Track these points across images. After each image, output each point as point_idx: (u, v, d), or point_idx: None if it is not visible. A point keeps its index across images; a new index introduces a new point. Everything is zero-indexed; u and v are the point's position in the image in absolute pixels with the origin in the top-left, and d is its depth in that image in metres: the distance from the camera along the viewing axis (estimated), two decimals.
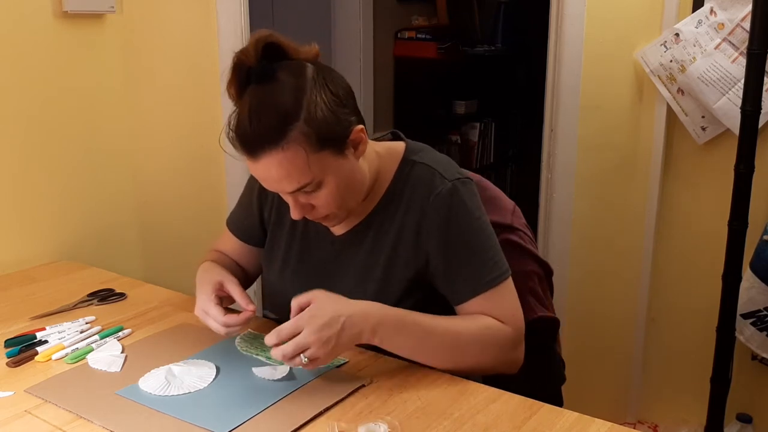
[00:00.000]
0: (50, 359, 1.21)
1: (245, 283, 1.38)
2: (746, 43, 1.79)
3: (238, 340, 1.26)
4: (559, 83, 2.23)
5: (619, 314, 2.36)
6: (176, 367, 1.15)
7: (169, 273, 1.92)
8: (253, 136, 1.05)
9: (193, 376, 1.12)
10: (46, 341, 1.26)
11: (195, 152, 2.06)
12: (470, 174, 1.24)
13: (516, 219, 1.36)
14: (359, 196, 1.18)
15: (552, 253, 2.34)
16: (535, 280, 1.35)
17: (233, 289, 1.21)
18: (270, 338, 1.06)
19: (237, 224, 1.39)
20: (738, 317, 1.92)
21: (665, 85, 2.11)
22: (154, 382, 1.11)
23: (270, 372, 1.13)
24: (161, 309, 1.43)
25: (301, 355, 1.04)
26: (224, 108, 2.01)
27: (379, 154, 1.22)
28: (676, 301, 2.28)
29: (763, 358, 2.09)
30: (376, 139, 1.28)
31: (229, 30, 2.01)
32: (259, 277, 1.44)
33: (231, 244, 1.40)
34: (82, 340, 1.27)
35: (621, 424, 1.01)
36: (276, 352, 1.06)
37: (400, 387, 1.10)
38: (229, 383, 1.12)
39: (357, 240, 1.22)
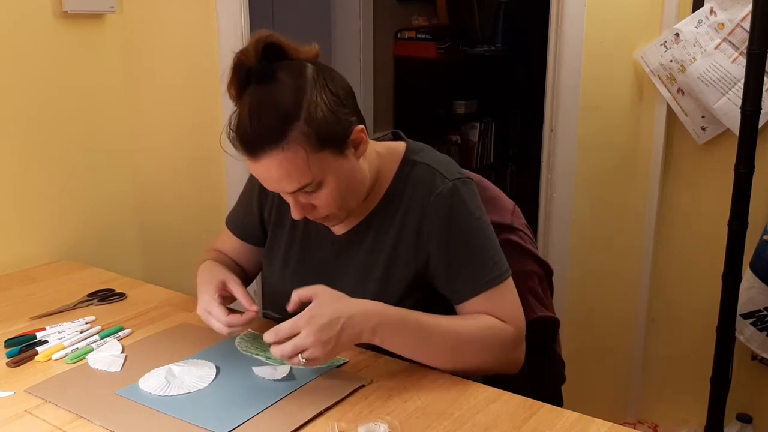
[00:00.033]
0: (50, 359, 1.21)
1: (244, 282, 1.38)
2: (746, 43, 1.79)
3: (238, 340, 1.26)
4: (559, 83, 2.23)
5: (619, 314, 2.36)
6: (176, 367, 1.15)
7: (169, 273, 1.92)
8: (253, 136, 1.05)
9: (193, 376, 1.12)
10: (46, 341, 1.26)
11: (195, 152, 2.06)
12: (470, 174, 1.25)
13: (516, 219, 1.36)
14: (360, 196, 1.18)
15: (552, 253, 2.34)
16: (535, 280, 1.35)
17: (236, 289, 1.21)
18: (268, 336, 1.06)
19: (236, 223, 1.39)
20: (738, 317, 1.92)
21: (665, 85, 2.11)
22: (154, 382, 1.11)
23: (270, 372, 1.13)
24: (161, 309, 1.43)
25: (299, 355, 1.04)
26: (224, 108, 2.01)
27: (380, 154, 1.22)
28: (676, 301, 2.28)
29: (763, 358, 2.09)
30: (377, 139, 1.28)
31: (229, 30, 2.01)
32: (260, 277, 1.44)
33: (230, 244, 1.40)
34: (82, 340, 1.27)
35: (621, 424, 1.01)
36: (274, 351, 1.06)
37: (400, 387, 1.10)
38: (229, 383, 1.12)
39: (357, 240, 1.22)
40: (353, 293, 1.12)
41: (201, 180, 2.10)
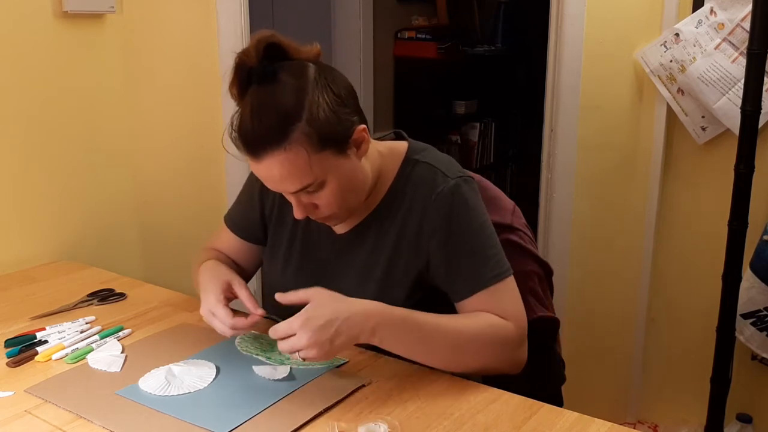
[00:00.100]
0: (50, 359, 1.21)
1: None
2: (746, 43, 1.79)
3: (238, 340, 1.26)
4: (559, 83, 2.23)
5: (619, 314, 2.36)
6: (176, 367, 1.15)
7: (169, 273, 1.92)
8: (255, 136, 1.05)
9: (193, 376, 1.12)
10: (46, 341, 1.26)
11: (195, 152, 2.06)
12: (471, 174, 1.25)
13: (516, 219, 1.36)
14: (361, 195, 1.18)
15: (552, 253, 2.34)
16: (535, 280, 1.35)
17: (241, 291, 1.21)
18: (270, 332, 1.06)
19: (235, 221, 1.39)
20: (738, 317, 1.92)
21: (665, 85, 2.11)
22: (154, 382, 1.11)
23: (270, 372, 1.13)
24: (161, 309, 1.43)
25: (297, 354, 1.04)
26: (224, 108, 2.01)
27: (382, 153, 1.22)
28: (676, 301, 2.28)
29: (763, 358, 2.09)
30: (379, 139, 1.28)
31: (229, 30, 2.01)
32: (260, 277, 1.44)
33: (229, 242, 1.40)
34: (82, 340, 1.27)
35: (621, 424, 1.01)
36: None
37: (400, 387, 1.10)
38: (229, 383, 1.12)
39: (359, 239, 1.22)
40: (354, 292, 1.12)
41: (201, 180, 2.10)
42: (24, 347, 1.23)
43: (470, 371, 1.15)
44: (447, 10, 3.67)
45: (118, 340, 1.28)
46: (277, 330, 1.05)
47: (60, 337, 1.28)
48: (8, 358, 1.20)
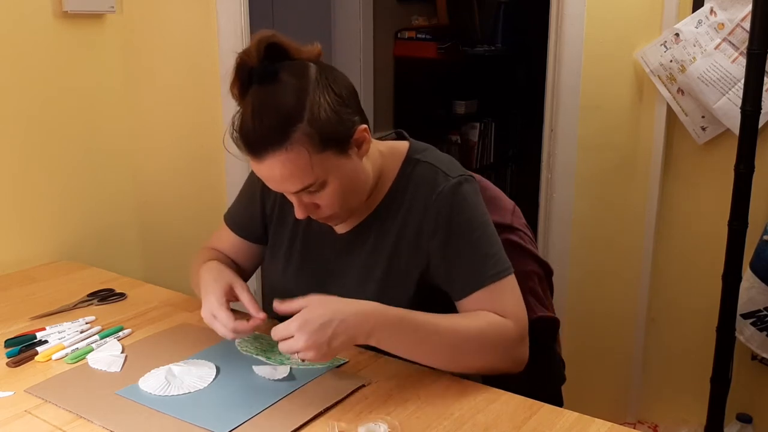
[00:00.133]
0: (50, 359, 1.21)
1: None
2: (746, 43, 1.79)
3: (238, 340, 1.26)
4: (559, 83, 2.23)
5: (619, 314, 2.36)
6: (176, 367, 1.15)
7: (169, 273, 1.92)
8: (256, 137, 1.05)
9: (193, 376, 1.12)
10: (46, 341, 1.26)
11: (195, 152, 2.06)
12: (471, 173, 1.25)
13: (516, 219, 1.36)
14: (362, 195, 1.18)
15: (552, 253, 2.34)
16: (535, 280, 1.35)
17: (243, 294, 1.20)
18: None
19: (235, 220, 1.39)
20: (738, 317, 1.92)
21: (665, 85, 2.11)
22: (154, 382, 1.11)
23: (270, 372, 1.13)
24: (161, 309, 1.43)
25: (295, 355, 1.04)
26: (224, 108, 2.01)
27: (383, 153, 1.22)
28: (676, 301, 2.28)
29: (763, 358, 2.09)
30: (381, 139, 1.28)
31: (229, 30, 2.01)
32: (260, 276, 1.44)
33: (229, 241, 1.39)
34: (82, 340, 1.27)
35: (621, 424, 1.01)
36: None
37: (400, 387, 1.10)
38: (229, 383, 1.12)
39: (360, 239, 1.22)
40: (355, 292, 1.12)
41: (201, 180, 2.10)
42: (24, 347, 1.23)
43: (470, 371, 1.15)
44: (447, 10, 3.67)
45: (118, 340, 1.28)
46: (276, 332, 1.05)
47: (60, 337, 1.28)
48: (8, 358, 1.20)
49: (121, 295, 1.50)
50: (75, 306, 1.45)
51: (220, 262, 1.31)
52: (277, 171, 1.06)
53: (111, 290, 1.53)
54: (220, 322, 1.15)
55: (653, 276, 2.29)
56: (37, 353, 1.22)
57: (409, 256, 1.18)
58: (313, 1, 3.25)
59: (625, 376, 2.40)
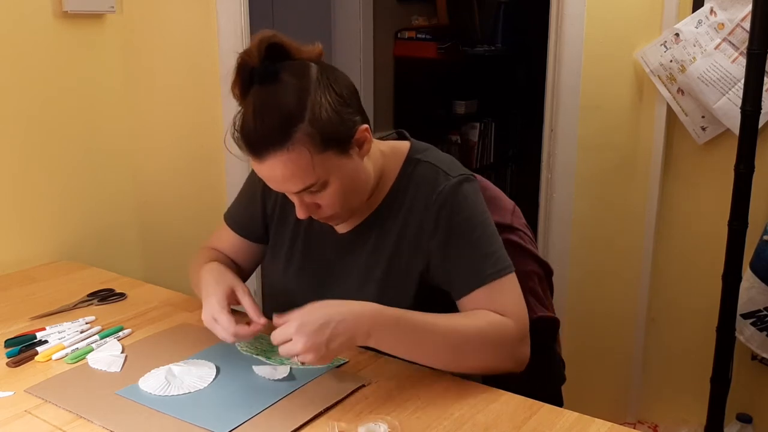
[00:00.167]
0: (50, 359, 1.21)
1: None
2: (746, 43, 1.79)
3: None
4: (559, 83, 2.23)
5: (619, 314, 2.36)
6: (176, 367, 1.15)
7: (169, 273, 1.92)
8: (257, 137, 1.05)
9: (193, 376, 1.12)
10: (46, 341, 1.26)
11: (195, 152, 2.06)
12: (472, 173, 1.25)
13: (516, 219, 1.36)
14: (363, 195, 1.18)
15: (552, 253, 2.34)
16: (535, 280, 1.35)
17: (245, 299, 1.19)
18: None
19: (235, 219, 1.39)
20: (738, 317, 1.92)
21: (665, 85, 2.11)
22: (154, 382, 1.11)
23: (270, 372, 1.13)
24: (161, 309, 1.43)
25: (295, 358, 1.04)
26: (224, 108, 2.01)
27: (384, 153, 1.22)
28: (676, 301, 2.28)
29: (763, 358, 2.09)
30: (382, 138, 1.28)
31: (229, 30, 2.01)
32: (260, 276, 1.43)
33: (229, 240, 1.39)
34: (82, 340, 1.27)
35: (621, 424, 1.01)
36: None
37: (400, 387, 1.10)
38: (229, 383, 1.12)
39: (360, 239, 1.22)
40: (355, 292, 1.12)
41: (201, 180, 2.10)
42: (24, 347, 1.23)
43: (471, 371, 1.15)
44: (447, 10, 3.67)
45: (118, 340, 1.28)
46: (275, 336, 1.05)
47: (60, 337, 1.28)
48: (8, 358, 1.21)
49: (121, 295, 1.50)
50: (75, 306, 1.45)
51: (221, 264, 1.31)
52: (278, 171, 1.06)
53: (111, 290, 1.53)
54: (221, 326, 1.14)
55: (653, 276, 2.29)
56: (37, 353, 1.22)
57: (409, 255, 1.18)
58: (313, 1, 3.25)
59: (625, 376, 2.40)
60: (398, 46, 3.49)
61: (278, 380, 1.11)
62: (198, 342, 1.25)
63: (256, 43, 1.06)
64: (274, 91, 1.06)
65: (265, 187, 1.30)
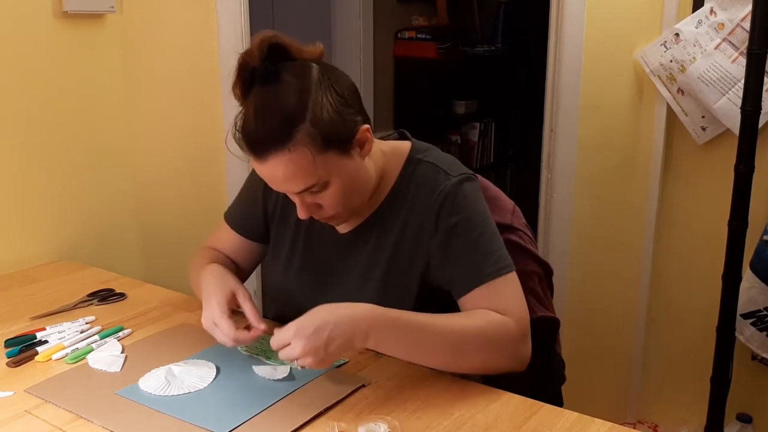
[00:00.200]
0: (50, 359, 1.21)
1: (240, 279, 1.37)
2: (746, 43, 1.79)
3: None
4: (559, 83, 2.23)
5: (619, 314, 2.36)
6: (176, 367, 1.15)
7: (169, 273, 1.92)
8: (258, 138, 1.05)
9: (193, 376, 1.12)
10: (46, 341, 1.26)
11: (195, 152, 2.06)
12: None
13: (516, 219, 1.36)
14: (365, 195, 1.18)
15: (552, 253, 2.34)
16: (535, 280, 1.35)
17: (245, 304, 1.19)
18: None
19: (236, 218, 1.39)
20: (738, 317, 1.92)
21: (665, 85, 2.11)
22: (154, 382, 1.11)
23: (270, 372, 1.13)
24: (161, 309, 1.43)
25: (295, 362, 1.04)
26: (224, 108, 2.01)
27: (385, 153, 1.22)
28: (676, 301, 2.28)
29: (763, 358, 2.09)
30: (383, 139, 1.28)
31: (229, 30, 2.01)
32: (261, 276, 1.43)
33: (229, 240, 1.39)
34: (82, 340, 1.27)
35: (621, 424, 1.01)
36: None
37: (400, 387, 1.10)
38: (229, 383, 1.12)
39: (361, 239, 1.22)
40: (356, 292, 1.12)
41: (201, 180, 2.10)
42: (24, 347, 1.24)
43: (472, 371, 1.15)
44: (447, 10, 3.67)
45: (118, 340, 1.28)
46: (274, 340, 1.05)
47: (60, 337, 1.28)
48: (8, 358, 1.21)
49: (121, 295, 1.50)
50: (75, 306, 1.45)
51: (222, 266, 1.30)
52: (279, 171, 1.06)
53: (111, 290, 1.53)
54: (222, 330, 1.14)
55: (653, 276, 2.29)
56: (37, 353, 1.22)
57: (410, 255, 1.18)
58: (313, 1, 3.25)
59: (625, 376, 2.40)
60: (398, 46, 3.49)
61: (278, 380, 1.11)
62: (198, 342, 1.25)
63: (257, 43, 1.06)
64: (275, 92, 1.06)
65: (266, 187, 1.29)
